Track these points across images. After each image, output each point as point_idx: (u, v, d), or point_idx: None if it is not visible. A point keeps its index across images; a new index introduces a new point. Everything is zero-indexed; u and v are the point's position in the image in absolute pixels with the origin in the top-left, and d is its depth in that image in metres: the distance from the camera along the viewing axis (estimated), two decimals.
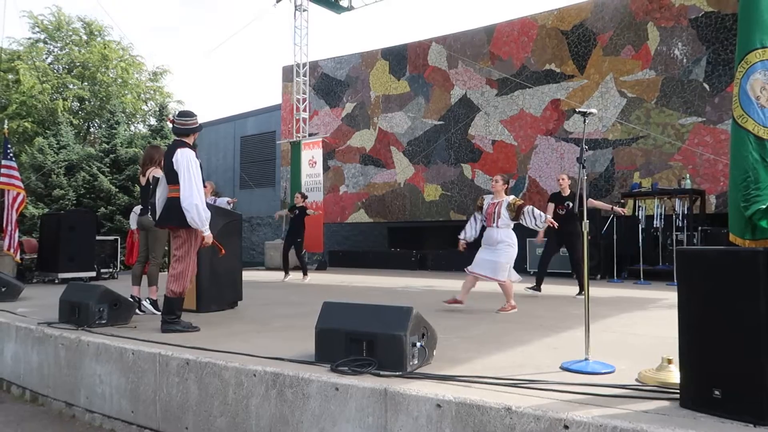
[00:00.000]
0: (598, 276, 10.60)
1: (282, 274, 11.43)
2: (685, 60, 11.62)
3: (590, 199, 7.92)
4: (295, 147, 15.80)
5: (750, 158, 3.06)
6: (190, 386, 3.61)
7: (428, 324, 3.39)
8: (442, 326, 4.24)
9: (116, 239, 11.93)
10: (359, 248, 17.12)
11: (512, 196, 6.17)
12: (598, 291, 8.15)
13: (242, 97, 51.22)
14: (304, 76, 16.28)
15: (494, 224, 6.03)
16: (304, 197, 11.20)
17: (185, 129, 4.71)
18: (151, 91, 22.54)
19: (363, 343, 3.22)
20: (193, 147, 4.74)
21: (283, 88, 18.01)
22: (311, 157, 15.42)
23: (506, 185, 6.22)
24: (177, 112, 4.88)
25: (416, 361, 3.19)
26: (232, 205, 9.23)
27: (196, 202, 4.50)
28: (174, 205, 4.59)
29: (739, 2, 3.37)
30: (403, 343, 3.10)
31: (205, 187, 8.97)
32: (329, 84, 17.17)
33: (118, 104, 18.69)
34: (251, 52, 56.06)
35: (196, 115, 4.81)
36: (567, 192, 7.78)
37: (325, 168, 16.22)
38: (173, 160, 4.59)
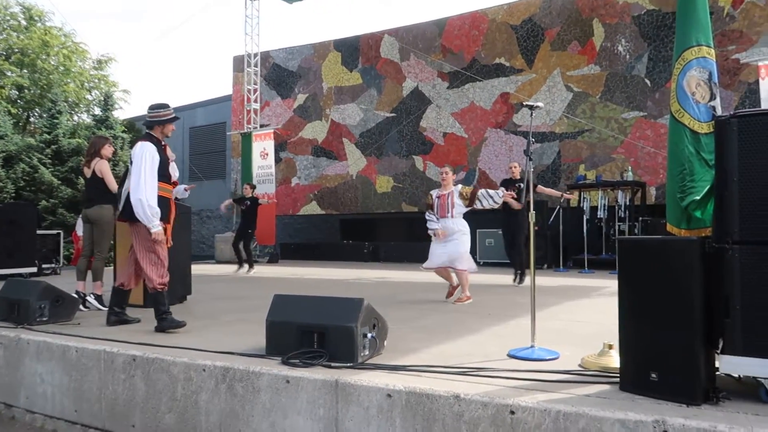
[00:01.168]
0: (545, 265, 10.88)
1: (234, 266, 11.25)
2: (628, 56, 12.00)
3: (540, 186, 8.29)
4: (246, 138, 15.54)
5: (686, 151, 3.19)
6: (137, 383, 3.52)
7: (379, 315, 3.40)
8: (392, 317, 4.26)
9: (59, 233, 11.46)
10: (311, 240, 17.02)
11: (460, 185, 6.23)
12: (545, 280, 8.37)
13: (191, 87, 49.96)
14: (255, 66, 16.00)
15: (449, 214, 6.05)
16: (254, 188, 11.00)
17: (153, 121, 4.55)
18: (96, 80, 21.71)
19: (314, 335, 3.21)
20: (158, 141, 4.55)
21: (234, 78, 17.66)
22: (263, 148, 15.20)
23: (454, 175, 6.31)
24: (149, 106, 4.66)
25: (367, 352, 3.20)
26: (189, 191, 8.90)
27: (139, 196, 4.30)
28: (129, 198, 4.44)
29: (677, 1, 3.49)
30: (354, 335, 3.11)
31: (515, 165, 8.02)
32: (281, 75, 16.94)
33: (59, 93, 17.90)
34: (201, 41, 54.68)
35: (166, 107, 4.63)
36: (518, 177, 7.99)
37: (277, 160, 16.01)
38: (132, 152, 4.48)
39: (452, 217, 6.04)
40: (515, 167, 8.08)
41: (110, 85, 21.47)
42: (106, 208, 5.67)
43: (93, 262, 5.76)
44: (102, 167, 5.64)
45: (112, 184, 5.67)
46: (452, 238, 6.00)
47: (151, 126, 4.56)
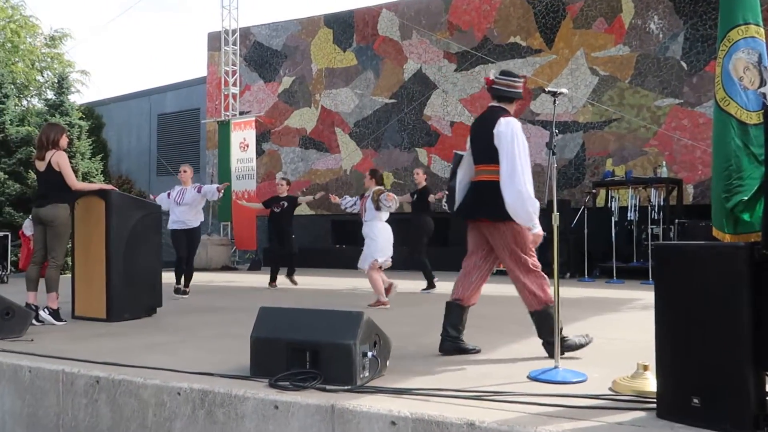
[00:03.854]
0: (567, 274, 10.92)
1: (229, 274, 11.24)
2: (661, 35, 12.05)
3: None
4: (223, 127, 15.54)
5: (732, 145, 3.21)
6: (100, 408, 3.53)
7: (381, 331, 3.42)
8: (396, 333, 4.27)
9: (6, 235, 11.45)
10: (299, 245, 16.94)
11: (378, 187, 7.15)
12: (568, 291, 8.38)
13: (160, 67, 49.93)
14: (234, 44, 16.00)
15: (364, 218, 7.12)
16: (289, 183, 10.31)
17: (510, 92, 4.09)
18: (48, 59, 21.66)
19: (306, 353, 3.22)
20: None
21: (209, 58, 17.67)
22: (242, 139, 15.21)
23: (374, 178, 7.26)
24: (499, 71, 4.31)
25: (367, 374, 3.22)
26: (221, 192, 8.69)
27: (519, 188, 3.81)
28: (486, 191, 3.98)
29: None
30: (352, 353, 3.12)
31: (184, 171, 8.49)
32: (263, 54, 16.95)
33: (6, 74, 17.86)
34: (171, 15, 54.67)
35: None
36: (423, 184, 9.15)
37: (259, 152, 16.03)
38: (495, 131, 3.92)
39: (366, 221, 7.07)
40: (419, 174, 9.25)
41: (65, 64, 21.41)
42: (62, 207, 5.65)
43: (46, 270, 5.74)
44: (60, 160, 5.64)
45: (72, 180, 5.66)
46: (366, 242, 7.03)
47: (510, 98, 4.12)
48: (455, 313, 4.17)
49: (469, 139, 4.21)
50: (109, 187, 6.17)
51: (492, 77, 4.09)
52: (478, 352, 4.17)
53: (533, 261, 3.98)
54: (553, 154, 3.62)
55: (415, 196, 9.14)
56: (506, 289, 8.34)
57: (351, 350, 3.12)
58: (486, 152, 3.98)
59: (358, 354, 3.14)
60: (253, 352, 3.41)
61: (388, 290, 7.09)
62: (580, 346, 4.00)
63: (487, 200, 3.96)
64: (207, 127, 17.64)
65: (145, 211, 6.19)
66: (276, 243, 10.35)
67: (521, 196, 3.80)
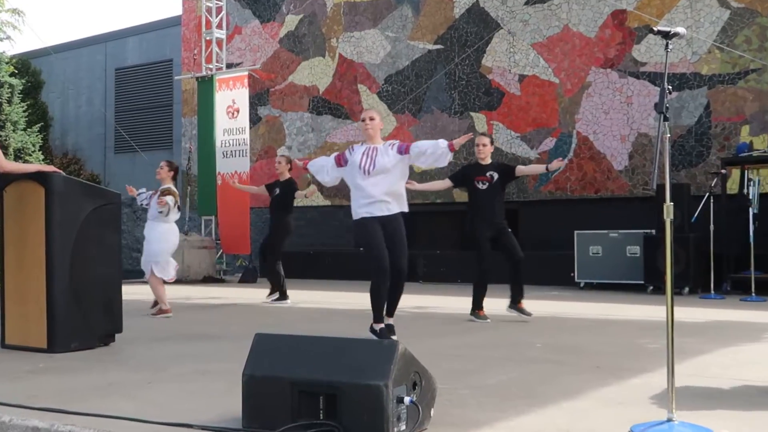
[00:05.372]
0: (686, 289, 10.78)
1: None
2: None
3: (519, 167, 8.74)
4: (205, 86, 15.64)
5: None
6: None
7: (422, 368, 3.41)
8: (443, 370, 4.28)
9: None
10: (309, 247, 17.09)
11: (167, 186, 8.28)
12: (687, 312, 8.29)
13: (119, 5, 50.48)
14: None
15: (148, 216, 8.42)
16: (290, 162, 9.94)
17: None
18: None
19: (319, 398, 3.23)
20: None
21: None
22: (231, 101, 15.29)
23: (172, 171, 8.56)
24: None
25: (404, 427, 3.22)
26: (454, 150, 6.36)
27: None
28: None
29: None
30: (383, 399, 3.12)
31: (371, 119, 6.36)
32: None
33: None
34: None
35: None
36: (488, 160, 7.94)
37: (254, 119, 16.12)
38: None
39: (148, 219, 8.47)
40: (484, 145, 7.88)
41: None
42: None
43: None
44: None
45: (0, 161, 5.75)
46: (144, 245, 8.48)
47: None
48: None
49: None
50: (51, 168, 6.24)
51: None
52: None
53: None
54: (665, 119, 3.58)
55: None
56: (604, 310, 8.29)
57: (381, 394, 3.12)
58: None
59: (391, 399, 3.13)
60: (247, 396, 3.42)
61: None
62: None
63: None
64: (183, 85, 17.80)
65: (99, 201, 6.24)
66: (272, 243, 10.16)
67: None
